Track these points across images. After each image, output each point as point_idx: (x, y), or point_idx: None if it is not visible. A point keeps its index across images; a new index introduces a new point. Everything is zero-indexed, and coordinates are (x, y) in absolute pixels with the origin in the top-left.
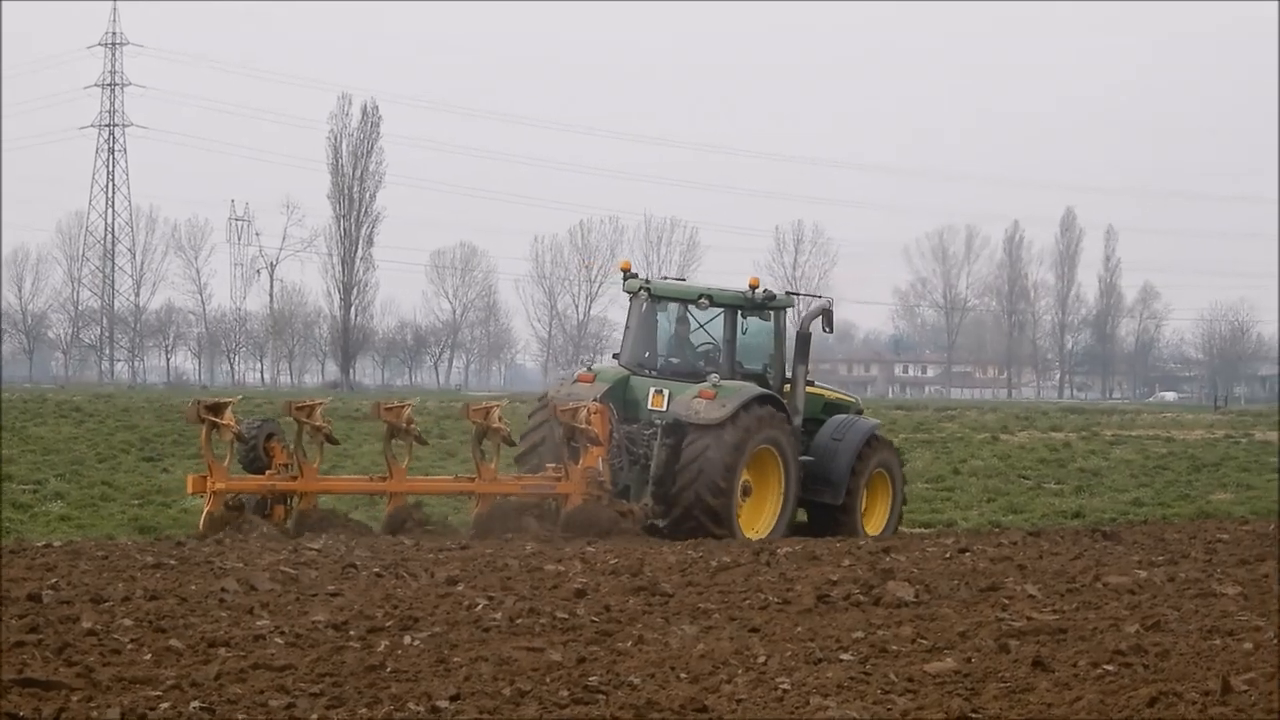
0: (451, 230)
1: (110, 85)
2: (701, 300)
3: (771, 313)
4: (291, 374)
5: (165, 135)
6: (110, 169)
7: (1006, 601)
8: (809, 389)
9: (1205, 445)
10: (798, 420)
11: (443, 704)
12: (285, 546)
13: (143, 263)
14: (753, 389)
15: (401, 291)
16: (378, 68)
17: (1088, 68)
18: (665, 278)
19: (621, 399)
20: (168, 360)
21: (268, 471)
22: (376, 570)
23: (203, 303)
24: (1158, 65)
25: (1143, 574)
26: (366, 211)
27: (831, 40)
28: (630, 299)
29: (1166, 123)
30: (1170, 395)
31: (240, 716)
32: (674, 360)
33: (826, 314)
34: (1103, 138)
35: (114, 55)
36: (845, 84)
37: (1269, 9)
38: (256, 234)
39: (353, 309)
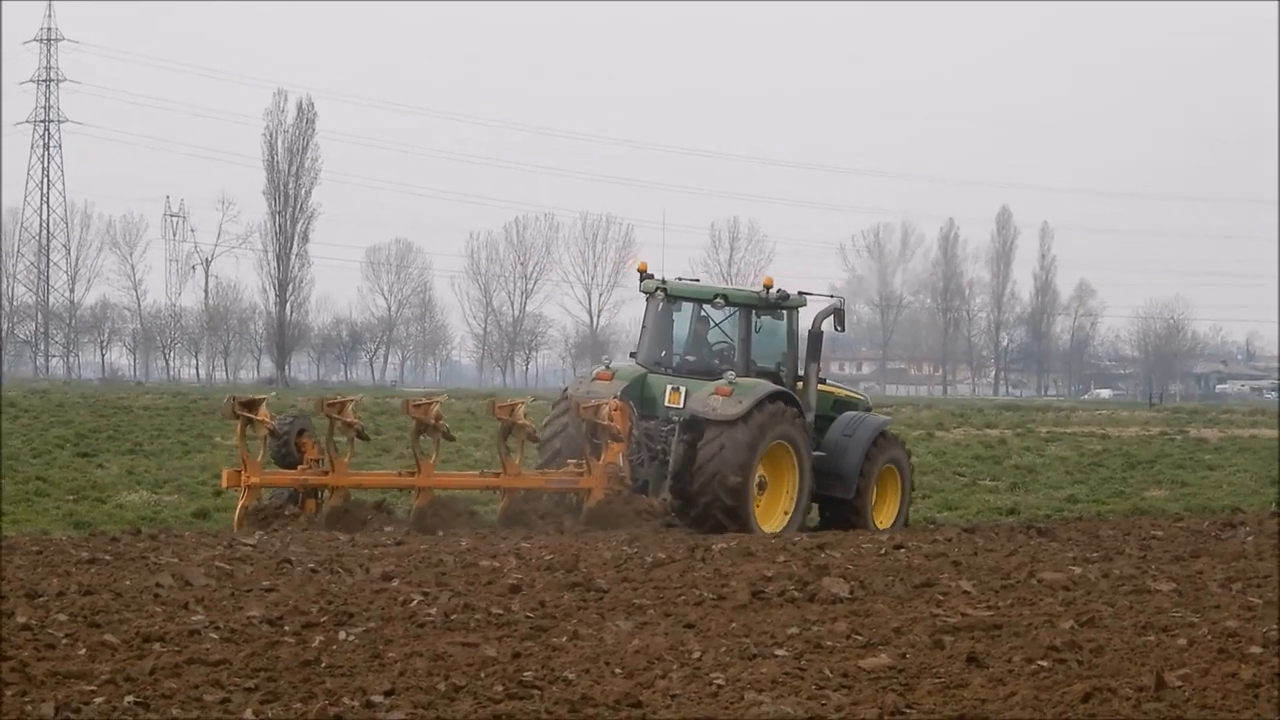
0: (388, 227)
1: (45, 81)
2: (717, 300)
3: (784, 312)
4: (227, 370)
5: (100, 131)
6: (45, 165)
7: (941, 598)
8: (819, 387)
9: (1140, 442)
10: (810, 417)
11: (377, 699)
12: (221, 542)
13: (78, 259)
14: (768, 386)
15: (337, 288)
16: (314, 64)
17: (1026, 68)
18: (680, 278)
19: (639, 396)
20: (103, 356)
21: (300, 466)
22: (312, 566)
23: (138, 299)
24: (1099, 66)
25: (1077, 570)
26: (302, 208)
27: (774, 38)
28: (647, 299)
29: (1103, 122)
30: (1105, 393)
31: (175, 711)
32: (690, 358)
33: (838, 313)
34: (1039, 137)
35: (49, 51)
36: (786, 81)
37: (1210, 9)
38: (192, 230)
39: (288, 305)
